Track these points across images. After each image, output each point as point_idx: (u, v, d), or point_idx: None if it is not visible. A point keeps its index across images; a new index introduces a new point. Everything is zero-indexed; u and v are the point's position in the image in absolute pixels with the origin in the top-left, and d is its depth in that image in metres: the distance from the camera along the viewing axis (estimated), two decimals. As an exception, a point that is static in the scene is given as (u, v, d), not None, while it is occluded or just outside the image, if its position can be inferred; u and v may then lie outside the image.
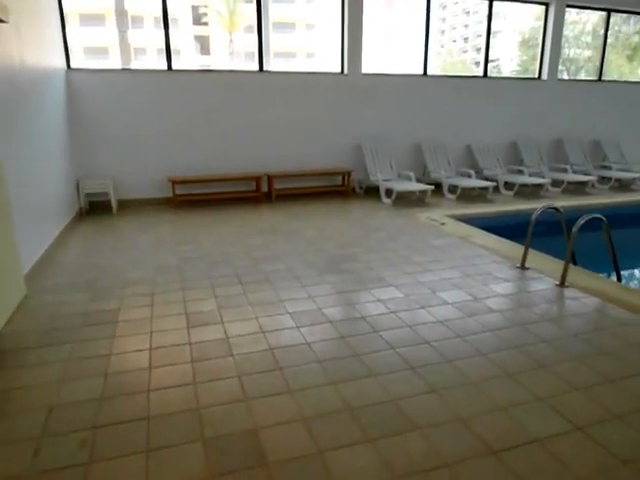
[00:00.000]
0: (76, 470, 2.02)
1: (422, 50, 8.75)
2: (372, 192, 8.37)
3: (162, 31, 7.21)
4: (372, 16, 8.43)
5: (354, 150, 8.57)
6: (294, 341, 3.14)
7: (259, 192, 7.92)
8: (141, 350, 3.03)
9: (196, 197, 7.67)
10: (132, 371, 2.79)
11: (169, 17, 7.22)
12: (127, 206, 7.45)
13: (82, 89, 7.02)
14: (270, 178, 7.94)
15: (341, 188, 8.44)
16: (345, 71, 8.31)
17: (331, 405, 2.46)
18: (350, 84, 8.32)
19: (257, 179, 7.90)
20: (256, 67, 7.89)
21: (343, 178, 8.49)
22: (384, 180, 8.09)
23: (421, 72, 8.87)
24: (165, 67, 7.40)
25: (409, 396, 2.52)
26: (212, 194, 7.76)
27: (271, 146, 8.09)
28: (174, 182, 7.38)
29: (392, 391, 2.56)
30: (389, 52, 9.87)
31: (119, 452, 2.13)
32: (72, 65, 6.97)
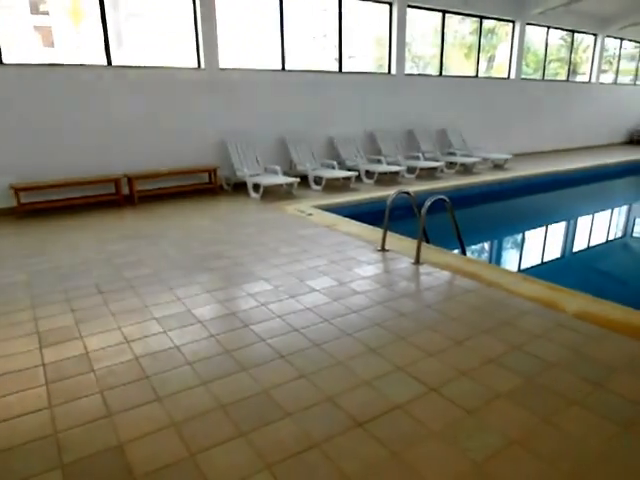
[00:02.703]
0: None
1: (279, 46, 8.88)
2: (240, 188, 8.33)
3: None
4: (232, 11, 8.34)
5: (219, 146, 8.43)
6: (162, 346, 3.02)
7: (119, 195, 7.43)
8: (-18, 380, 2.69)
9: (46, 204, 6.95)
10: (-28, 405, 2.47)
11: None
12: (-40, 220, 6.52)
13: None
14: (130, 179, 7.50)
15: (208, 186, 8.26)
16: (202, 65, 8.11)
17: (202, 406, 2.41)
18: (208, 79, 8.15)
19: (116, 181, 7.39)
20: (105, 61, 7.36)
21: (209, 175, 8.32)
22: (251, 175, 8.09)
23: (280, 67, 8.99)
24: (-6, 61, 6.57)
25: (280, 384, 2.57)
26: (64, 200, 7.09)
27: (130, 146, 7.63)
28: (17, 189, 6.61)
29: (263, 382, 2.59)
30: (253, 47, 9.86)
31: (-42, 498, 1.88)
32: None
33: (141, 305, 3.66)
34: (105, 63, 7.35)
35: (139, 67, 7.61)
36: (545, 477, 1.96)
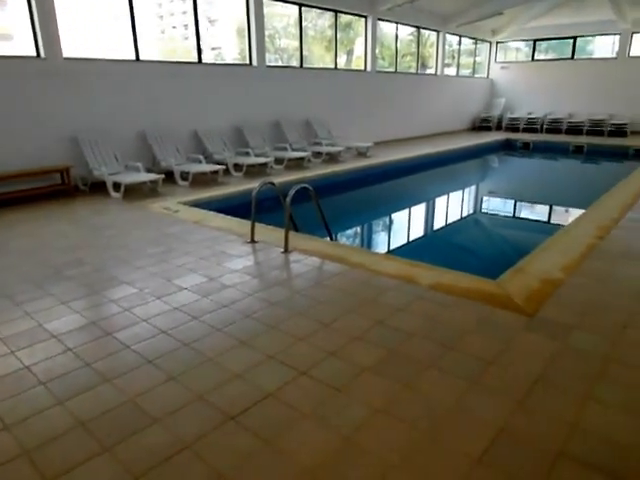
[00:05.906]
0: None
1: (131, 35, 8.34)
2: (99, 188, 7.71)
3: None
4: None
5: (71, 144, 7.71)
6: (8, 369, 2.70)
7: (-51, 203, 6.46)
8: None
9: None
10: None
11: None
12: None
13: None
14: (-38, 185, 6.56)
15: (61, 187, 7.53)
16: (42, 54, 7.32)
17: (59, 427, 2.21)
18: (51, 69, 7.38)
19: (-57, 188, 6.42)
20: None
21: (62, 176, 7.58)
22: (110, 174, 7.53)
23: (134, 57, 8.46)
24: None
25: (147, 391, 2.45)
26: None
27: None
28: None
29: (128, 391, 2.45)
30: (104, 36, 9.14)
31: None
32: None
33: (-19, 326, 3.24)
34: None
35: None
36: (406, 437, 2.13)
